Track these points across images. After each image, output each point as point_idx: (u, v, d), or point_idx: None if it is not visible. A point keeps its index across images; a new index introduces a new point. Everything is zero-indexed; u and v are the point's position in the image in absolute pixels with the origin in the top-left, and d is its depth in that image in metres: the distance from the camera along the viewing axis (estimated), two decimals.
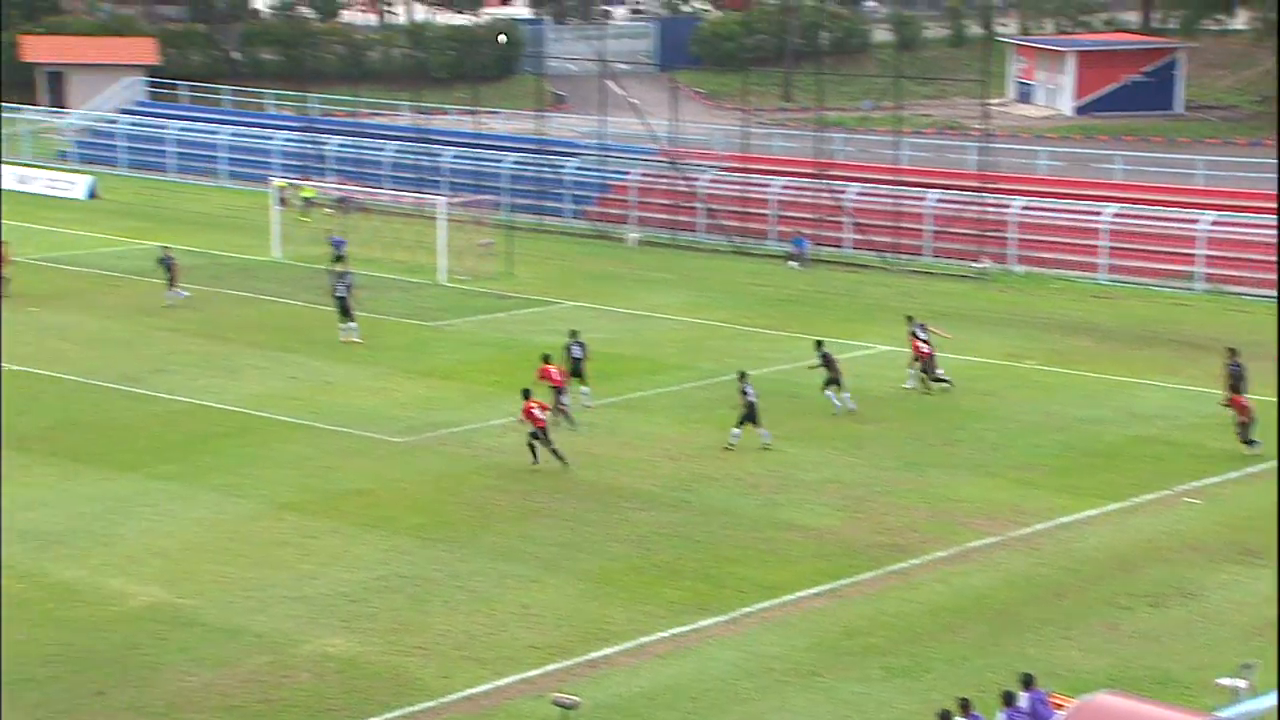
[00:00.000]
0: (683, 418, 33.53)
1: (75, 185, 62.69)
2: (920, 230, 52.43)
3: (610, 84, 62.89)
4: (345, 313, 39.17)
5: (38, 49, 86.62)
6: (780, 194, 55.08)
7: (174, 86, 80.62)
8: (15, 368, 35.72)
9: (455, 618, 22.92)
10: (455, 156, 61.36)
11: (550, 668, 21.41)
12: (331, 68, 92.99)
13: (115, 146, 70.52)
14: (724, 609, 23.41)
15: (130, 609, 22.80)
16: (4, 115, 73.54)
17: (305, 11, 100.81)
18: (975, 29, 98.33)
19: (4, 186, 63.20)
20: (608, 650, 22.00)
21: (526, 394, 29.90)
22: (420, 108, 61.62)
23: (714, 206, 56.14)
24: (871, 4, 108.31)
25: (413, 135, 61.20)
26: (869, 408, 33.71)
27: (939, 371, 35.57)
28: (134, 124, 71.85)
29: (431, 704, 20.33)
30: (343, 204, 56.82)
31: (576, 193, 59.19)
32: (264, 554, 25.12)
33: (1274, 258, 46.08)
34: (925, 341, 35.62)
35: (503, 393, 35.11)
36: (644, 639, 22.38)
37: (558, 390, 32.11)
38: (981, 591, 24.30)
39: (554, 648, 22.03)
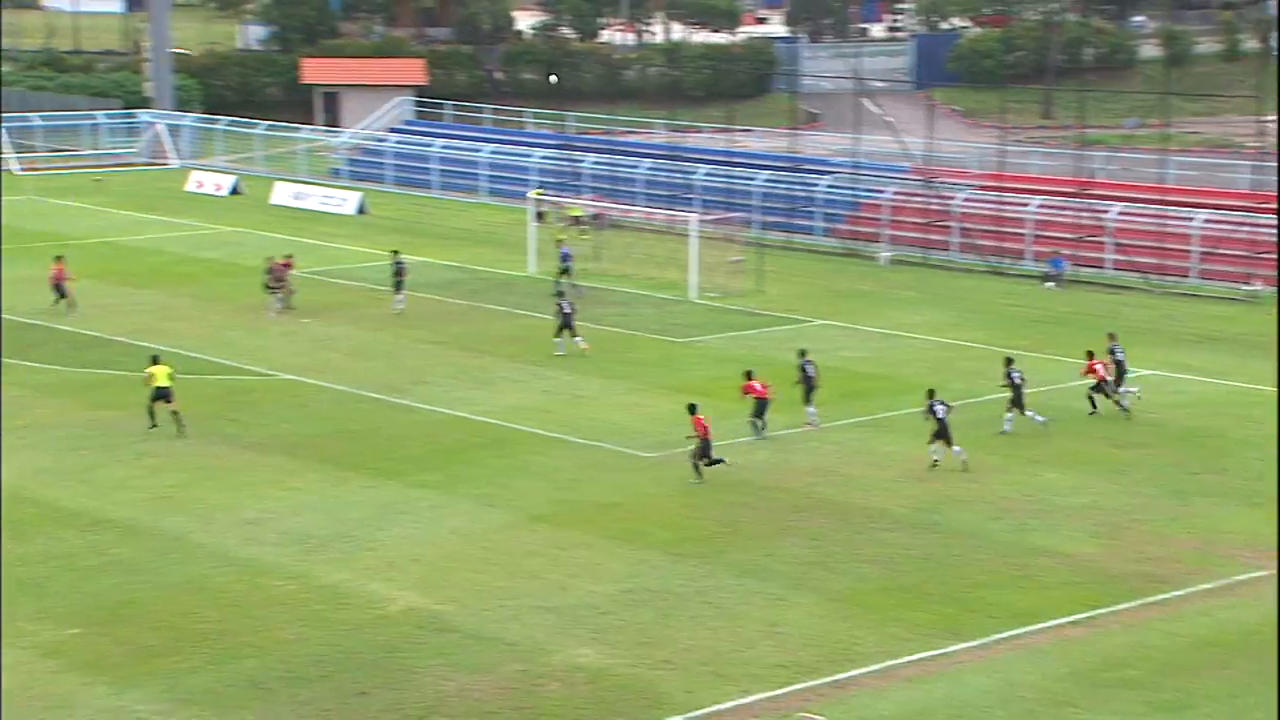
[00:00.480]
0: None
1: (347, 202, 65.18)
2: (1187, 251, 50.59)
3: (865, 101, 62.51)
4: (565, 328, 39.56)
5: (316, 71, 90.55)
6: (1037, 213, 53.83)
7: (440, 105, 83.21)
8: (287, 377, 37.29)
9: (701, 633, 23.01)
10: (708, 174, 61.74)
11: (796, 687, 21.31)
12: (590, 87, 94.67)
13: (383, 164, 73.09)
14: (974, 634, 22.95)
15: (390, 613, 23.55)
16: (283, 134, 77.02)
17: (566, 32, 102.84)
18: (1251, 43, 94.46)
19: (279, 202, 66.17)
20: (854, 671, 21.80)
21: (693, 409, 30.02)
22: (675, 125, 62.15)
23: (968, 225, 55.18)
24: (1139, 19, 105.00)
25: (666, 153, 61.76)
26: (1131, 433, 32.65)
27: (1121, 391, 34.49)
28: (401, 142, 74.37)
29: (678, 719, 20.45)
30: (596, 220, 57.71)
31: (828, 210, 58.89)
32: (516, 564, 25.65)
33: None
34: (1117, 363, 34.67)
35: (748, 410, 35.15)
36: (891, 661, 22.10)
37: (761, 403, 32.12)
38: (1249, 627, 23.27)
39: (800, 666, 21.93)
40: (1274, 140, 61.18)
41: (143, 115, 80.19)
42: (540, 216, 58.73)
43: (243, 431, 32.60)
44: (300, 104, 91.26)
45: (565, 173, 62.94)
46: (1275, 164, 52.68)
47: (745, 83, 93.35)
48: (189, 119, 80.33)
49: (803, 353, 34.57)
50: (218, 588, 24.22)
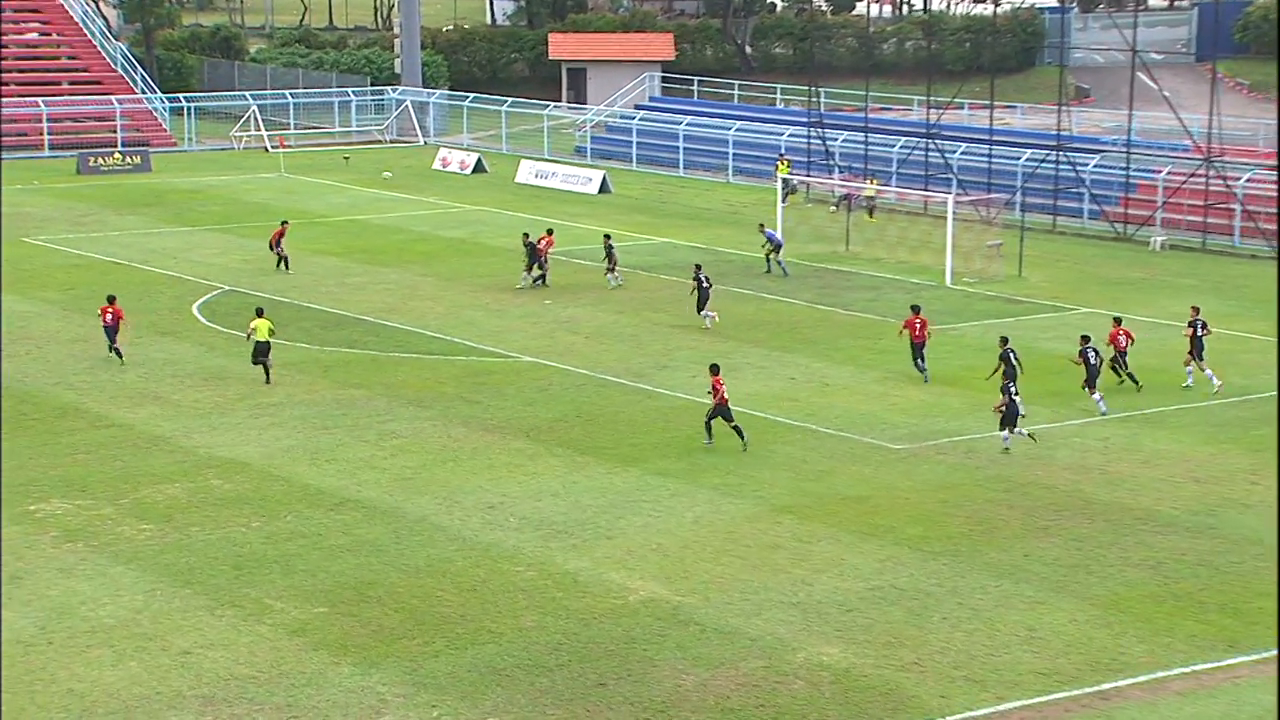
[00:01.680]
0: (1210, 436, 31.90)
1: (590, 180, 66.09)
2: None
3: (1141, 75, 60.50)
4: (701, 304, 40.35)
5: (563, 46, 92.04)
6: None
7: (688, 81, 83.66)
8: (528, 359, 38.04)
9: (954, 635, 22.69)
10: (966, 153, 60.67)
11: (1055, 696, 20.86)
12: (843, 61, 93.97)
13: (629, 142, 73.83)
14: (1255, 647, 22.12)
15: (629, 603, 23.83)
16: (528, 111, 78.51)
17: (820, 4, 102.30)
18: None
19: (523, 181, 67.50)
20: (1120, 682, 21.22)
21: (715, 369, 31.10)
22: (932, 102, 61.26)
23: (1253, 208, 53.00)
24: None
25: (922, 131, 60.93)
26: None
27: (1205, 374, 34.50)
28: (647, 119, 75.00)
29: None
30: (846, 201, 57.29)
31: (1097, 192, 57.30)
32: (759, 556, 25.68)
33: None
34: (1196, 338, 34.87)
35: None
36: (1162, 673, 21.46)
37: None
38: None
39: (1060, 675, 21.45)
40: None
41: (391, 92, 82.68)
42: (789, 192, 58.58)
43: (483, 414, 33.38)
44: (546, 80, 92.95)
45: (815, 151, 62.60)
46: None
47: (1009, 56, 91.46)
48: (436, 96, 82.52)
49: (1085, 338, 33.89)
50: (458, 571, 24.86)
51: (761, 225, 49.43)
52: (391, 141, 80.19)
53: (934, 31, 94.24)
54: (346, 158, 72.97)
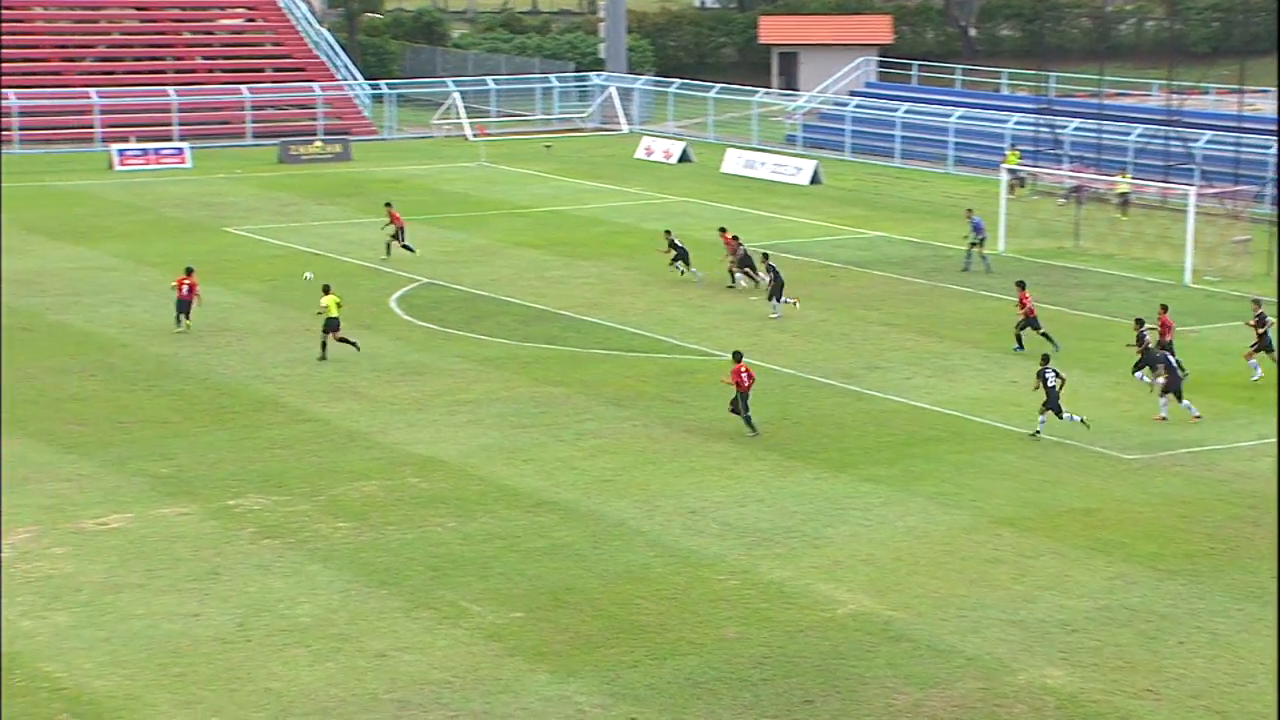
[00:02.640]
0: None
1: (801, 171, 65.86)
2: None
3: None
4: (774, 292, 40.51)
5: (774, 30, 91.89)
6: None
7: (906, 66, 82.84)
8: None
9: (1193, 662, 22.10)
10: (1211, 141, 58.95)
11: None
12: (1075, 44, 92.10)
13: (842, 130, 73.39)
14: None
15: (837, 616, 23.71)
16: (737, 98, 78.60)
17: None
18: None
19: (730, 170, 67.56)
20: None
21: (737, 357, 31.80)
22: (1174, 87, 59.62)
23: None
24: None
25: (1163, 118, 59.34)
26: None
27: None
28: (862, 106, 74.48)
29: None
30: (1077, 193, 56.10)
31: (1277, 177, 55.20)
32: (977, 571, 25.32)
33: None
34: (1262, 334, 35.56)
35: (1255, 410, 33.47)
36: None
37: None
38: None
39: None
40: None
41: (594, 78, 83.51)
42: (1017, 185, 57.60)
43: (685, 414, 33.53)
44: (756, 65, 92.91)
45: (1043, 140, 61.44)
46: None
47: (1261, 36, 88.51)
48: (641, 82, 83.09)
49: (1045, 358, 32.34)
50: (658, 578, 25.02)
51: (969, 211, 48.41)
52: (594, 129, 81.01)
53: (1178, 10, 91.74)
54: (548, 146, 73.94)
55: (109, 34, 79.79)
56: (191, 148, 68.50)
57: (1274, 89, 72.01)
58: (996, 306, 43.18)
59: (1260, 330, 36.12)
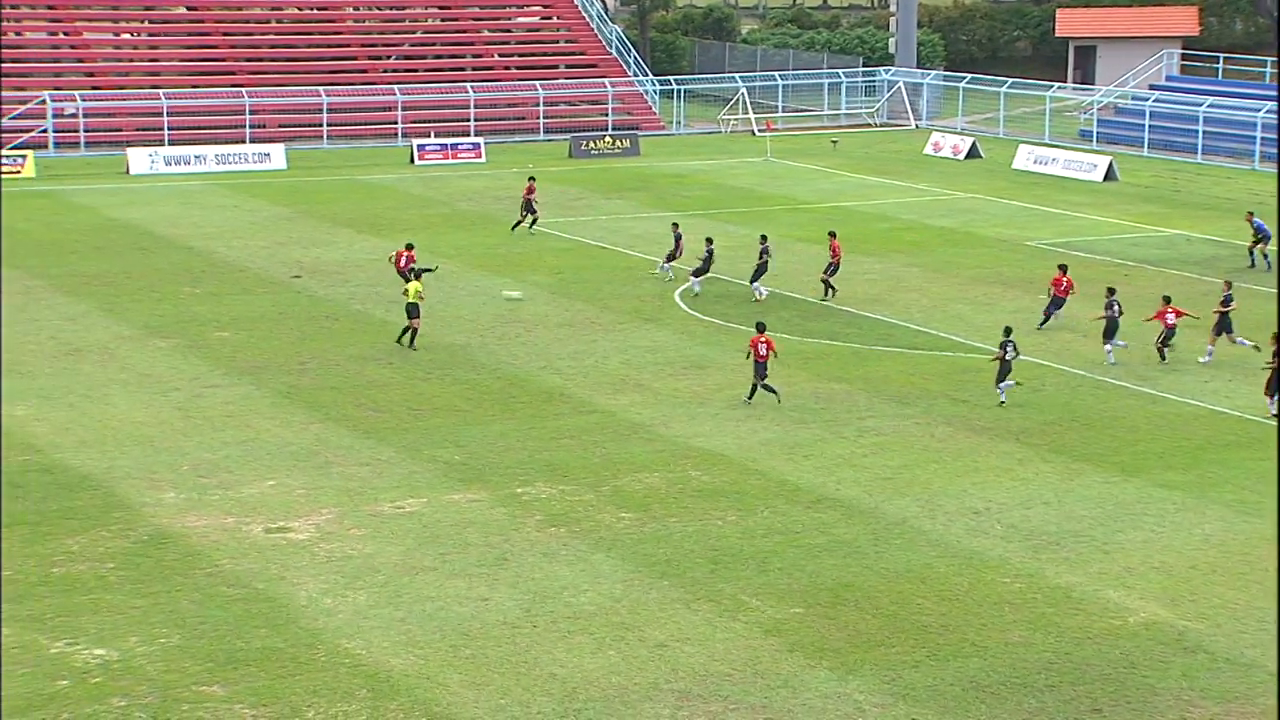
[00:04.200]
0: None
1: (1095, 167, 64.12)
2: None
3: None
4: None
5: (1072, 22, 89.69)
6: None
7: (1212, 59, 79.93)
8: (1022, 357, 37.24)
9: None
10: None
11: None
12: None
13: (1140, 125, 71.18)
14: None
15: (1129, 624, 23.02)
16: (1029, 93, 76.94)
17: None
18: None
19: (1020, 167, 66.18)
20: None
21: (761, 327, 33.38)
22: None
23: None
24: None
25: None
26: None
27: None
28: (1162, 100, 72.11)
29: None
30: None
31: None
32: None
33: None
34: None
35: None
36: None
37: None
38: None
39: None
40: None
41: (883, 73, 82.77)
42: None
43: (969, 414, 32.98)
44: (1051, 59, 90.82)
45: None
46: None
47: None
48: (930, 77, 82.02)
49: (1008, 330, 33.93)
50: (940, 578, 24.67)
51: (1250, 214, 46.53)
52: (882, 125, 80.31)
53: None
54: (835, 141, 73.58)
55: (413, 33, 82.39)
56: (486, 143, 70.27)
57: None
58: None
59: (1223, 310, 36.67)
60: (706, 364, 36.94)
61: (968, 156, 69.20)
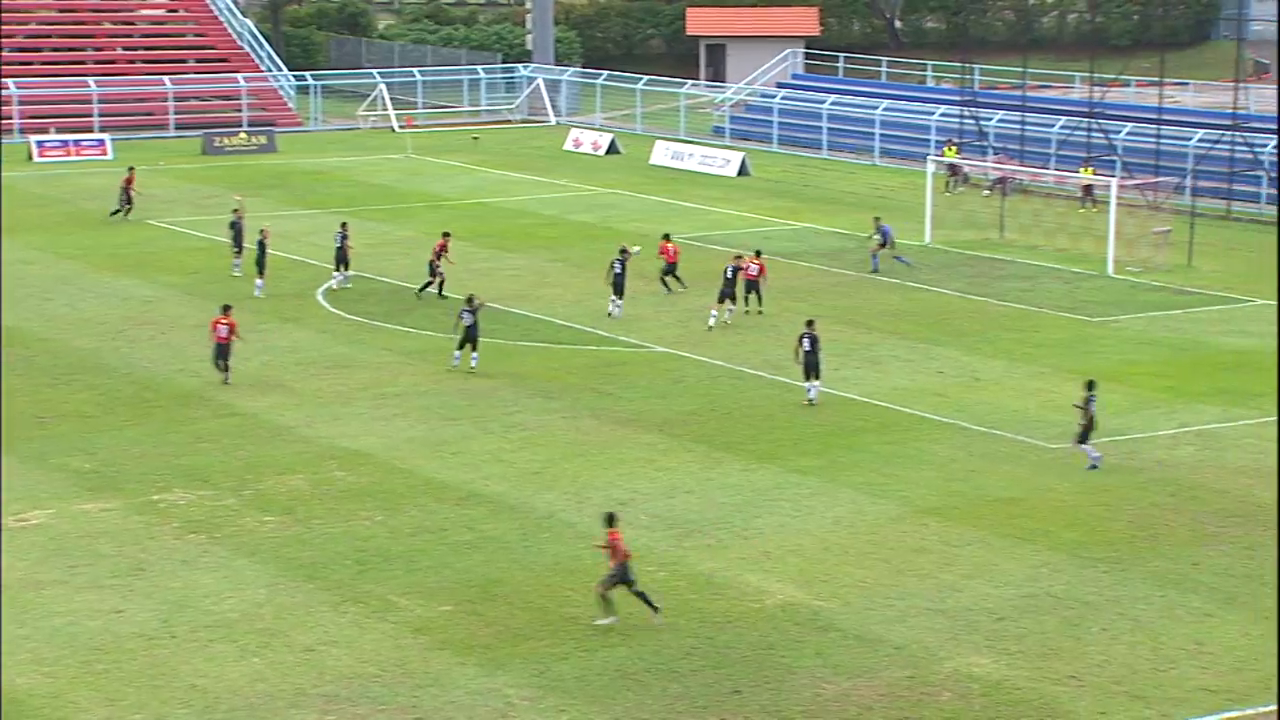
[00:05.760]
0: None
1: (729, 162, 66.00)
2: None
3: None
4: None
5: (701, 21, 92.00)
6: None
7: (833, 58, 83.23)
8: (661, 349, 38.13)
9: (1115, 648, 22.37)
10: (1132, 133, 59.62)
11: (1225, 715, 20.50)
12: (999, 36, 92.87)
13: (769, 122, 73.61)
14: None
15: (766, 607, 23.82)
16: (664, 90, 78.63)
17: None
18: None
19: (658, 162, 67.63)
20: None
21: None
22: (1095, 79, 60.24)
23: None
24: None
25: (1085, 110, 59.96)
26: None
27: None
28: (789, 98, 74.73)
29: None
30: (1000, 185, 56.60)
31: (1277, 175, 55.96)
32: (904, 561, 25.51)
33: None
34: None
35: (1175, 399, 33.93)
36: None
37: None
38: None
39: (1231, 693, 21.06)
40: None
41: (522, 70, 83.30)
42: (956, 180, 57.98)
43: (614, 406, 33.55)
44: (684, 57, 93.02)
45: (968, 131, 61.91)
46: None
47: (1180, 29, 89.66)
48: (568, 74, 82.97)
49: (1090, 384, 30.12)
50: (587, 570, 25.00)
51: (877, 219, 47.78)
52: (522, 121, 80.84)
53: (1098, 4, 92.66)
54: (476, 138, 73.71)
55: (26, 24, 78.70)
56: (113, 139, 67.73)
57: (1193, 82, 72.98)
58: (924, 298, 43.51)
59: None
60: (350, 363, 36.53)
61: (607, 152, 70.31)
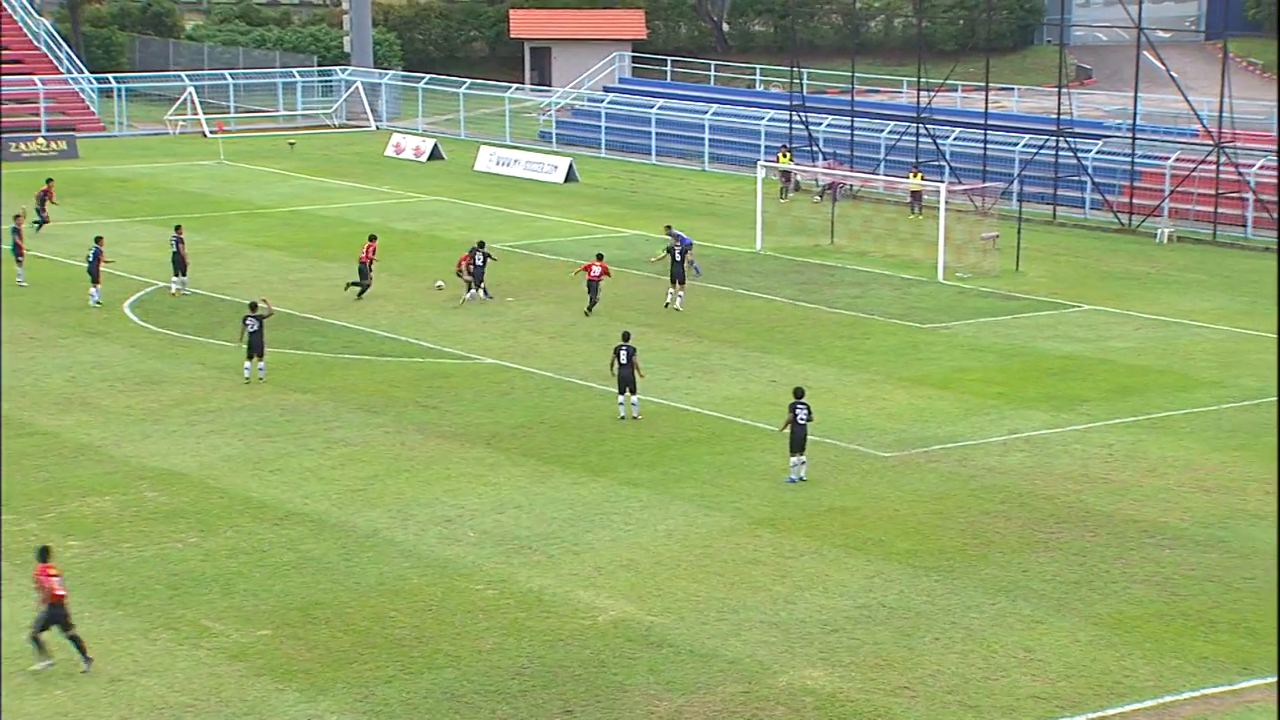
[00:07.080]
0: (1219, 443, 32.12)
1: (556, 169, 66.06)
2: None
3: (1147, 55, 60.87)
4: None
5: (525, 24, 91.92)
6: None
7: (660, 62, 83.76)
8: (489, 361, 38.03)
9: (947, 657, 22.80)
10: (959, 138, 60.92)
11: None
12: (827, 40, 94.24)
13: (597, 127, 73.84)
14: (1269, 669, 22.28)
15: (598, 624, 23.85)
16: (489, 94, 78.45)
17: None
18: None
19: (483, 168, 67.43)
20: (1125, 707, 21.37)
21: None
22: (923, 84, 61.47)
23: (1267, 198, 53.38)
24: None
25: (912, 115, 61.15)
26: None
27: None
28: (616, 103, 75.02)
29: None
30: (830, 190, 57.45)
31: (1099, 180, 57.64)
32: (738, 573, 25.73)
33: None
34: None
35: (1005, 405, 34.69)
36: (1170, 697, 21.63)
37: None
38: None
39: (1060, 699, 21.58)
40: None
41: (339, 73, 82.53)
42: (788, 186, 58.64)
43: (439, 420, 33.37)
44: (508, 60, 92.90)
45: (798, 136, 62.76)
46: None
47: (1004, 34, 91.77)
48: (388, 77, 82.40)
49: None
50: (413, 590, 24.85)
51: (668, 226, 47.79)
52: (340, 126, 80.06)
53: (924, 8, 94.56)
54: (292, 144, 72.84)
55: None
56: None
57: (1017, 87, 74.81)
58: (755, 305, 43.96)
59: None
60: (161, 379, 35.84)
61: (430, 158, 69.94)
